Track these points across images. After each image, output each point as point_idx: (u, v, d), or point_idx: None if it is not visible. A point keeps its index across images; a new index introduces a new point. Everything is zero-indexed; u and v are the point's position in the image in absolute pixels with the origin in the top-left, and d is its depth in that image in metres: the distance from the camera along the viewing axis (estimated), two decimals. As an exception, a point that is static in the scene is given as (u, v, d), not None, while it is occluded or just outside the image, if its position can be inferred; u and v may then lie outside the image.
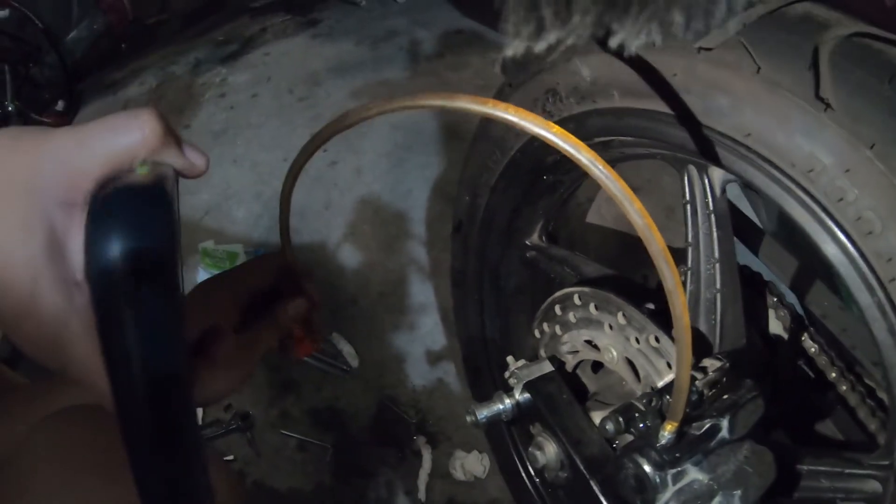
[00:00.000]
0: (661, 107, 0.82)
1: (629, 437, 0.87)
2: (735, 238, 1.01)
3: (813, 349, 1.13)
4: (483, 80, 3.32)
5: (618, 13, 0.77)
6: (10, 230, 0.49)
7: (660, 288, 1.04)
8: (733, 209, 1.04)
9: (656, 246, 0.51)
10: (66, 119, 3.94)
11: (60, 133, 0.52)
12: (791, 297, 1.17)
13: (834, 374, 1.11)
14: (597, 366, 1.12)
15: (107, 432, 0.74)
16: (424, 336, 2.21)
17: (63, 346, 0.51)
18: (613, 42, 0.76)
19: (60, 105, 4.00)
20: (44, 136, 0.52)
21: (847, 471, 0.93)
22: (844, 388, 1.09)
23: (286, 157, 2.99)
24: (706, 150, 0.81)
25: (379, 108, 0.55)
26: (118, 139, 0.52)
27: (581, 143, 0.48)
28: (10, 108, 3.63)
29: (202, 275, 2.31)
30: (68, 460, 0.77)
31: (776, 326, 1.15)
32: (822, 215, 0.71)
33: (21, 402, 0.91)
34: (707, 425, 0.78)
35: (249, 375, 0.73)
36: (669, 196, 2.35)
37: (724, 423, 0.79)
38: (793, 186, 0.72)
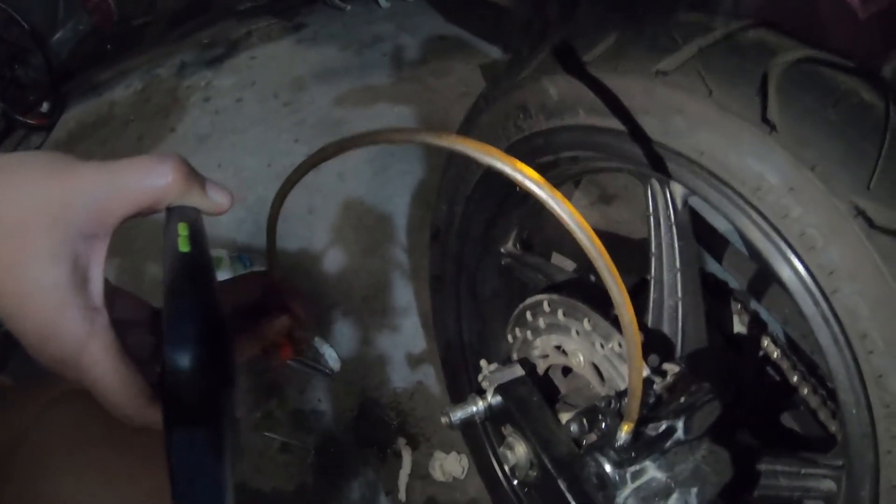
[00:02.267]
0: (622, 125, 0.87)
1: (594, 438, 0.91)
2: (700, 247, 1.06)
3: (776, 354, 1.17)
4: (466, 86, 3.35)
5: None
6: (39, 260, 0.52)
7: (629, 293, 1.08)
8: (698, 219, 1.08)
9: (603, 263, 0.55)
10: (50, 120, 3.93)
11: (92, 169, 0.55)
12: (754, 304, 1.21)
13: (796, 378, 1.15)
14: (567, 369, 1.16)
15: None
16: (405, 339, 2.23)
17: (82, 365, 0.54)
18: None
19: (45, 106, 3.99)
20: (76, 170, 0.54)
21: (804, 470, 0.98)
22: (806, 390, 1.13)
23: (270, 163, 3.01)
24: (662, 167, 0.85)
25: (352, 142, 0.59)
26: (147, 182, 0.55)
27: (534, 173, 0.52)
28: (-6, 110, 3.63)
29: (186, 279, 2.32)
30: (81, 434, 0.79)
31: (740, 332, 1.19)
32: (770, 231, 0.75)
33: (26, 393, 0.92)
34: (663, 426, 0.82)
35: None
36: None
37: (680, 424, 0.83)
38: (742, 203, 0.76)
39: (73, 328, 0.53)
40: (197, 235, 0.58)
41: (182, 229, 0.56)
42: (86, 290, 0.54)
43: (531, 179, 0.52)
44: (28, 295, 0.52)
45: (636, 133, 0.85)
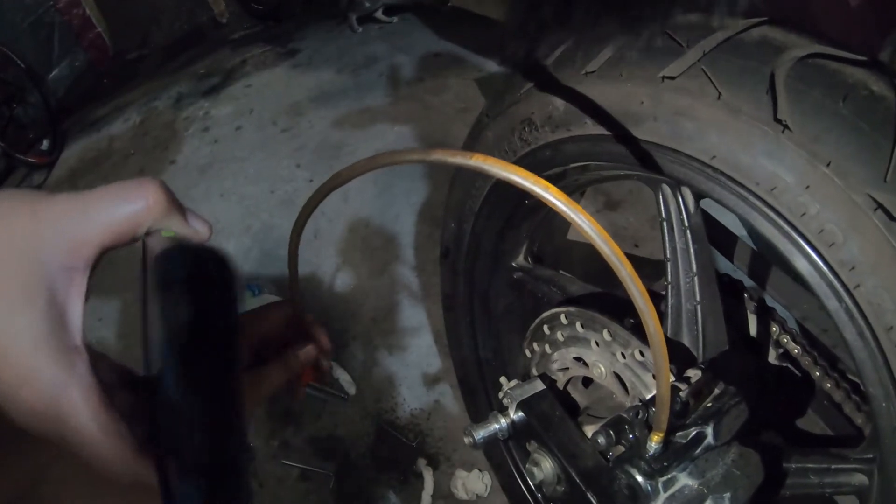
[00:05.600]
0: (631, 132, 0.86)
1: (622, 448, 0.90)
2: (713, 248, 1.05)
3: (796, 350, 1.16)
4: (463, 102, 3.36)
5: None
6: (10, 296, 0.48)
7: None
8: (710, 220, 1.07)
9: (626, 272, 0.54)
10: (50, 158, 3.95)
11: (63, 199, 0.51)
12: (772, 302, 1.20)
13: (818, 373, 1.14)
14: (587, 380, 1.15)
15: None
16: (419, 359, 2.23)
17: (62, 414, 0.49)
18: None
19: (45, 144, 4.02)
20: (45, 202, 0.51)
21: (834, 466, 0.96)
22: (829, 385, 1.12)
23: (273, 189, 3.01)
24: (674, 172, 0.84)
25: (365, 166, 0.58)
26: (122, 208, 0.52)
27: (549, 185, 0.52)
28: (-6, 150, 3.65)
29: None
30: (91, 484, 0.78)
31: (759, 331, 1.18)
32: (788, 229, 0.74)
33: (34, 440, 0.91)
34: (693, 433, 0.81)
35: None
36: (652, 207, 2.39)
37: (709, 430, 0.82)
38: (759, 204, 0.75)
39: (49, 371, 0.48)
40: (184, 240, 0.55)
41: (167, 232, 0.53)
42: (64, 328, 0.50)
43: (550, 193, 0.52)
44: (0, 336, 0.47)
45: (645, 140, 0.84)
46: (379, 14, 4.35)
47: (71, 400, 0.49)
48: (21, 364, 0.48)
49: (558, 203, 0.52)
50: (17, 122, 4.00)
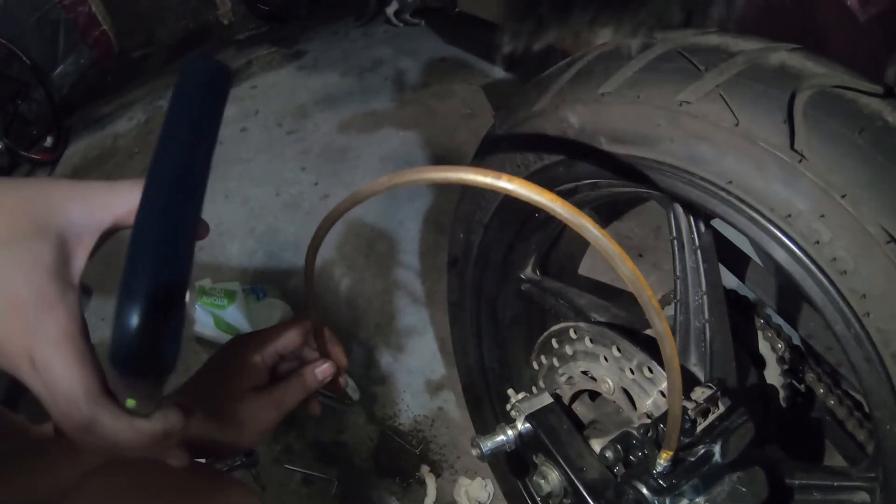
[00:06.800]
0: (646, 153, 0.87)
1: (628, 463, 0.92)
2: (721, 265, 1.06)
3: (801, 367, 1.17)
4: (469, 108, 3.36)
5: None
6: (31, 226, 0.54)
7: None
8: (719, 237, 1.08)
9: (646, 295, 0.55)
10: (54, 155, 3.95)
11: (105, 182, 0.59)
12: (778, 319, 1.21)
13: (822, 390, 1.15)
14: (595, 394, 1.16)
15: (155, 478, 0.77)
16: (423, 365, 2.23)
17: (42, 332, 0.52)
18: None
19: (49, 141, 4.02)
20: (88, 181, 0.58)
21: (837, 483, 0.97)
22: (833, 402, 1.14)
23: (277, 192, 3.02)
24: (688, 194, 0.85)
25: (384, 184, 0.60)
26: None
27: (575, 208, 0.53)
28: (-1, 146, 3.65)
29: (199, 313, 2.33)
30: (120, 500, 0.80)
31: (765, 347, 1.19)
32: (801, 255, 0.75)
33: (67, 450, 0.92)
34: (701, 452, 0.83)
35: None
36: (656, 217, 2.40)
37: (717, 448, 0.83)
38: (772, 229, 0.76)
39: (44, 289, 0.52)
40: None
41: None
42: (66, 266, 0.55)
43: (589, 225, 0.53)
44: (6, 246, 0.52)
45: (660, 161, 0.85)
46: (407, 16, 4.40)
47: (56, 320, 0.53)
48: (18, 270, 0.53)
49: (598, 235, 0.53)
50: (22, 119, 4.00)
